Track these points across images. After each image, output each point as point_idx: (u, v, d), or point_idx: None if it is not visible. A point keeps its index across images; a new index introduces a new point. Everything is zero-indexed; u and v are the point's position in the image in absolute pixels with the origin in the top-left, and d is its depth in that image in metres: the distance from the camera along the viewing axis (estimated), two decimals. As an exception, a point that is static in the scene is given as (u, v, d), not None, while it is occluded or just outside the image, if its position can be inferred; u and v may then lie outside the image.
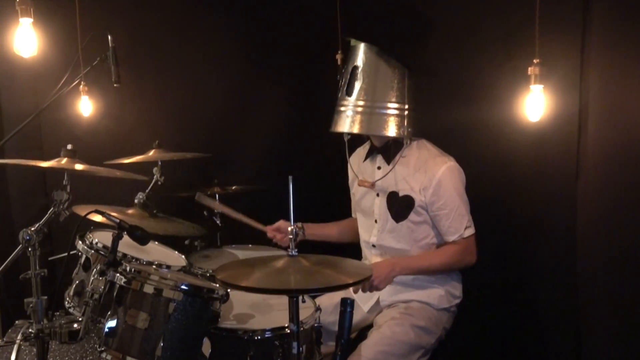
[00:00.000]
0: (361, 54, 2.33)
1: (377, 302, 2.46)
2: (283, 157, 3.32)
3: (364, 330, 2.43)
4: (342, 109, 2.36)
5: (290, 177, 1.79)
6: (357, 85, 2.31)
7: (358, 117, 2.32)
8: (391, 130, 2.30)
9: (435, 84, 2.89)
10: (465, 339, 2.65)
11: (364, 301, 2.49)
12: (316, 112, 3.36)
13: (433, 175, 2.32)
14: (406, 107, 2.30)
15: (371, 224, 2.50)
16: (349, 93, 2.34)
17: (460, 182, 2.36)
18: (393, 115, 2.30)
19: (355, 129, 2.33)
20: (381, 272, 2.27)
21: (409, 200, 2.37)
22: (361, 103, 2.31)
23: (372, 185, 2.45)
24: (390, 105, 2.30)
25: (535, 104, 2.10)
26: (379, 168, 2.47)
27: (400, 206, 2.39)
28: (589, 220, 2.42)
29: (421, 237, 2.40)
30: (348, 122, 2.34)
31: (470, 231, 2.35)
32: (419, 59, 2.36)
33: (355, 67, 2.32)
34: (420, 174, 2.35)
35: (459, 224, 2.33)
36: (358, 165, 2.58)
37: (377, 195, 2.46)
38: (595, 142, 2.35)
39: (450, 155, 2.41)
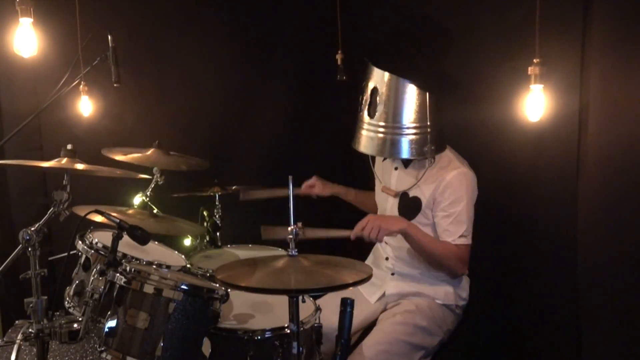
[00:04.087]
0: (381, 76, 2.29)
1: (384, 294, 2.47)
2: (283, 157, 3.32)
3: (368, 331, 2.43)
4: (365, 129, 2.34)
5: (290, 177, 1.78)
6: (380, 108, 2.28)
7: (382, 140, 2.30)
8: (415, 152, 2.29)
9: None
10: (465, 338, 2.65)
11: (370, 293, 2.50)
12: (316, 112, 3.38)
13: (444, 177, 2.32)
14: (428, 124, 2.27)
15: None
16: (370, 114, 2.31)
17: (469, 189, 2.34)
18: (416, 136, 2.27)
19: (381, 153, 2.35)
20: (389, 219, 2.32)
21: (417, 201, 2.38)
22: (384, 126, 2.29)
23: (396, 195, 2.45)
24: (412, 126, 2.27)
25: (535, 103, 2.09)
26: (395, 169, 2.48)
27: (408, 206, 2.40)
28: (589, 220, 2.42)
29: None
30: (373, 145, 2.33)
31: (464, 241, 2.31)
32: (440, 79, 2.32)
33: (375, 89, 2.29)
34: (433, 176, 2.36)
35: (454, 229, 2.30)
36: (380, 160, 2.60)
37: (391, 192, 2.48)
38: (596, 142, 2.35)
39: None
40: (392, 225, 2.25)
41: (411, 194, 2.40)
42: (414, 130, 2.27)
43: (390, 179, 2.49)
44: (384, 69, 2.28)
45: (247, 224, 2.87)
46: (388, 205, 2.49)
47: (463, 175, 2.33)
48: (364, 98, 2.34)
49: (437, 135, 2.30)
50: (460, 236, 2.30)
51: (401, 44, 2.31)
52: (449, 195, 2.31)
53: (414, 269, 2.42)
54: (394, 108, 2.27)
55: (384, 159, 2.55)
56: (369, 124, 2.32)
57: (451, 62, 2.62)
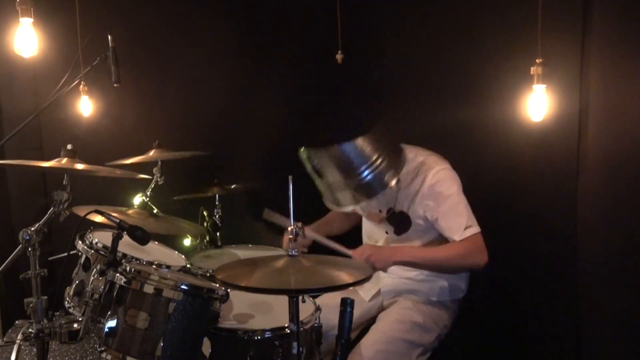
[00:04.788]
0: (309, 152, 2.27)
1: (379, 291, 2.47)
2: (283, 157, 3.32)
3: (365, 330, 2.43)
4: (332, 191, 2.31)
5: (290, 177, 1.78)
6: (329, 171, 2.25)
7: (351, 193, 2.26)
8: (381, 186, 2.24)
9: (438, 83, 2.90)
10: (464, 337, 2.65)
11: (365, 290, 2.49)
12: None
13: (423, 182, 2.31)
14: (374, 158, 2.21)
15: (382, 233, 2.51)
16: (327, 180, 2.28)
17: (451, 182, 2.33)
18: (373, 173, 2.22)
19: (357, 202, 2.30)
20: (382, 254, 2.26)
21: (404, 215, 2.39)
22: (344, 182, 2.25)
23: (381, 221, 2.45)
24: (364, 168, 2.21)
25: (537, 103, 2.09)
26: None
27: (399, 221, 2.41)
28: (589, 219, 2.42)
29: (432, 237, 2.40)
30: (347, 199, 2.29)
31: (473, 230, 2.29)
32: (356, 119, 2.25)
33: (314, 162, 2.27)
34: (409, 187, 2.35)
35: (456, 224, 2.28)
36: None
37: (379, 211, 2.47)
38: (596, 142, 2.35)
39: (446, 156, 2.40)
40: (383, 261, 2.25)
41: (397, 209, 2.40)
42: (367, 171, 2.22)
43: (370, 201, 2.44)
44: (313, 148, 2.24)
45: (247, 224, 2.87)
46: (380, 231, 2.49)
47: (439, 173, 2.32)
48: (313, 171, 2.31)
49: (389, 157, 2.25)
50: (466, 228, 2.27)
51: (308, 120, 2.30)
52: (435, 197, 2.30)
53: (407, 269, 2.41)
54: (340, 165, 2.22)
55: None
56: (331, 186, 2.29)
57: (453, 61, 2.60)
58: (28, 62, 2.66)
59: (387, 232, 2.49)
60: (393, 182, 2.24)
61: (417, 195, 2.33)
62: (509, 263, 2.76)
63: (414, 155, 2.39)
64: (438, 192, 2.30)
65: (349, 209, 2.37)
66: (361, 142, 2.20)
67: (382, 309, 2.49)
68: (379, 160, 2.23)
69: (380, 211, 2.46)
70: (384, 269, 2.28)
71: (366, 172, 2.22)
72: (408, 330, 2.31)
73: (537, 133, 2.46)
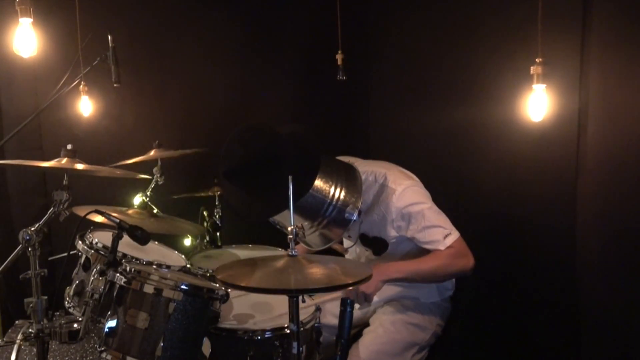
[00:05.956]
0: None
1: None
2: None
3: (361, 330, 2.43)
4: (307, 237, 2.26)
5: (290, 177, 1.78)
6: (296, 218, 2.05)
7: (322, 234, 2.23)
8: (346, 220, 2.19)
9: (438, 83, 2.90)
10: (463, 336, 2.65)
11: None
12: (316, 111, 3.38)
13: (387, 208, 2.28)
14: (330, 195, 2.15)
15: (363, 251, 2.51)
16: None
17: (417, 199, 2.28)
18: (334, 212, 2.17)
19: (329, 242, 2.27)
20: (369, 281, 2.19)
21: (379, 239, 2.38)
22: (311, 226, 2.21)
23: (346, 251, 2.46)
24: (324, 209, 2.16)
25: (537, 103, 2.09)
26: None
27: (375, 244, 2.40)
28: (587, 218, 2.43)
29: (412, 245, 2.36)
30: (320, 242, 2.26)
31: (452, 238, 2.24)
32: (304, 176, 2.10)
33: (278, 221, 2.23)
34: (378, 212, 2.32)
35: (433, 237, 2.24)
36: None
37: (349, 237, 2.48)
38: (595, 142, 2.35)
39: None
40: (371, 286, 2.18)
41: (370, 234, 2.39)
42: (330, 210, 2.17)
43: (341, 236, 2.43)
44: (276, 212, 2.14)
45: (247, 224, 2.87)
46: (361, 249, 2.48)
47: (402, 195, 2.27)
48: (283, 228, 2.23)
49: (347, 185, 2.20)
50: (446, 237, 2.24)
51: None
52: (406, 218, 2.27)
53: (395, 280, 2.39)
54: (304, 214, 2.17)
55: None
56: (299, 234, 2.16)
57: (453, 60, 2.58)
58: (28, 62, 2.66)
59: (366, 250, 2.48)
60: (355, 216, 2.18)
61: (386, 221, 2.30)
62: (508, 262, 2.76)
63: (373, 177, 2.34)
64: (407, 213, 2.26)
65: (320, 248, 2.32)
66: (315, 184, 2.13)
67: (374, 313, 2.49)
68: (335, 198, 2.17)
69: (349, 237, 2.44)
70: (375, 292, 2.23)
71: (330, 209, 2.17)
72: (403, 330, 2.32)
73: (537, 133, 2.46)
